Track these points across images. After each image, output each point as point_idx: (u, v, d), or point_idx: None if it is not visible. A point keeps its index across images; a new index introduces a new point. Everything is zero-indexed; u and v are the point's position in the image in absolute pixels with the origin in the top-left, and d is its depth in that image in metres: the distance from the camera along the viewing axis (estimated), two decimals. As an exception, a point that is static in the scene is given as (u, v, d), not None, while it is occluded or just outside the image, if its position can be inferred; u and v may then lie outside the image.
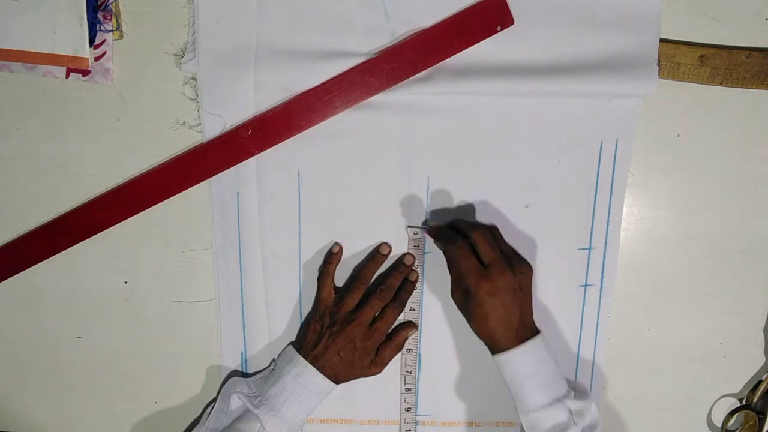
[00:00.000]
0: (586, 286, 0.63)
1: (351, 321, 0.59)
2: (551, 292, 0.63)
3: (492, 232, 0.58)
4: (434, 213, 0.62)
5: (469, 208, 0.62)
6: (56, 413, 0.68)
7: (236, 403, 0.60)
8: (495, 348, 0.55)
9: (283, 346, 0.64)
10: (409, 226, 0.62)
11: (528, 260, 0.59)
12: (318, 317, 0.61)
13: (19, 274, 0.64)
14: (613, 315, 0.64)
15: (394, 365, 0.65)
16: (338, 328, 0.59)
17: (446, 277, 0.63)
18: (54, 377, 0.67)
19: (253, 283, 0.63)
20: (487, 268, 0.55)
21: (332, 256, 0.62)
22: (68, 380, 0.67)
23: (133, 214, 0.62)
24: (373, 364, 0.61)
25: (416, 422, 0.66)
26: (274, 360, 0.64)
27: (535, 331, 0.56)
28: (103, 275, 0.64)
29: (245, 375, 0.65)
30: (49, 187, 0.63)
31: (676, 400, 0.67)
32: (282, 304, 0.64)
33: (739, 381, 0.66)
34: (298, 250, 0.63)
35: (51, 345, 0.67)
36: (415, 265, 0.62)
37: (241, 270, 0.63)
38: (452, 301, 0.64)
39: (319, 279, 0.62)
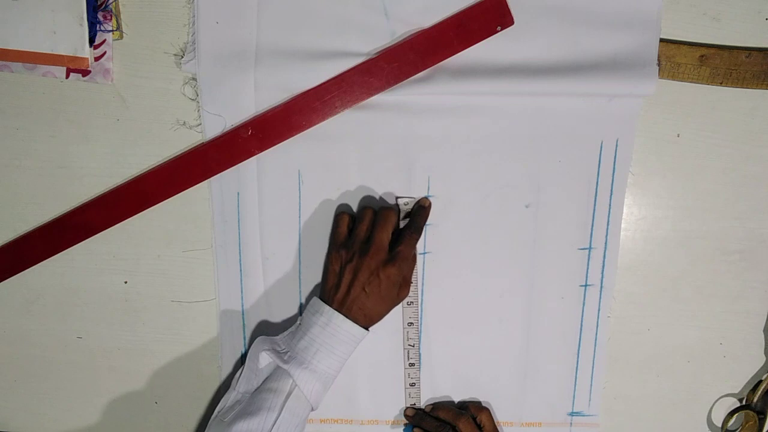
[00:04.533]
0: (586, 286, 0.63)
1: (368, 250, 0.56)
2: (551, 292, 0.63)
3: (475, 417, 0.61)
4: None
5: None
6: (56, 413, 0.68)
7: (265, 360, 0.57)
8: None
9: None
10: (398, 197, 0.61)
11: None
12: (335, 257, 0.58)
13: (19, 274, 0.64)
14: (613, 315, 0.64)
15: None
16: (357, 262, 0.56)
17: (446, 277, 0.63)
18: (54, 377, 0.67)
19: (253, 283, 0.63)
20: None
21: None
22: (68, 380, 0.67)
23: (133, 214, 0.62)
24: (401, 287, 0.58)
25: (421, 396, 0.66)
26: (300, 316, 0.62)
27: None
28: (103, 275, 0.64)
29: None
30: (49, 187, 0.63)
31: (676, 400, 0.67)
32: (282, 304, 0.64)
33: (739, 381, 0.66)
34: (298, 250, 0.63)
35: (51, 345, 0.67)
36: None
37: (241, 270, 0.63)
38: (453, 300, 0.64)
39: (336, 215, 0.61)
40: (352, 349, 0.57)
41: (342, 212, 0.61)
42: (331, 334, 0.56)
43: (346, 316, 0.56)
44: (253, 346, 0.59)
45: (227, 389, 0.60)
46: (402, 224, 0.61)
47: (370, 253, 0.56)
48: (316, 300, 0.58)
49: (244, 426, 0.53)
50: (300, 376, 0.55)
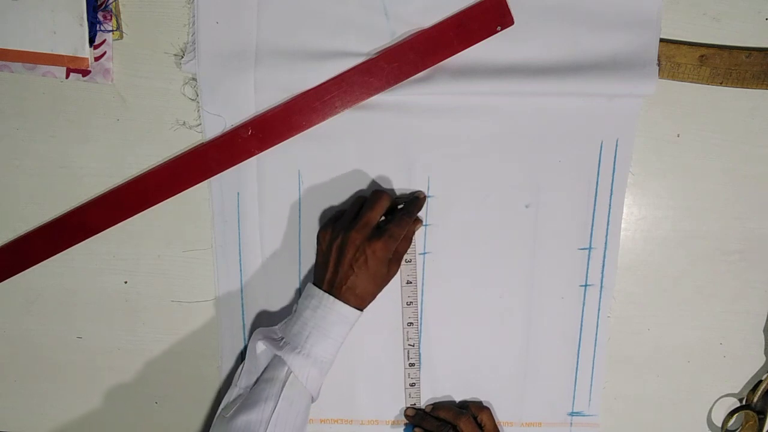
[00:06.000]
0: (586, 286, 0.63)
1: (353, 226, 0.55)
2: (551, 292, 0.63)
3: (476, 417, 0.61)
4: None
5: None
6: (56, 413, 0.68)
7: (261, 348, 0.57)
8: None
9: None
10: (396, 198, 0.61)
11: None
12: (322, 236, 0.58)
13: (19, 274, 0.64)
14: (613, 315, 0.64)
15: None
16: (342, 238, 0.55)
17: (446, 277, 0.63)
18: (54, 377, 0.67)
19: (253, 283, 0.63)
20: None
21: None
22: (68, 380, 0.67)
23: (133, 214, 0.62)
24: (390, 263, 0.57)
25: (421, 397, 0.66)
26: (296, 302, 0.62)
27: None
28: (103, 275, 0.64)
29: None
30: (49, 187, 0.63)
31: (676, 400, 0.67)
32: (282, 304, 0.64)
33: (739, 381, 0.66)
34: (298, 250, 0.63)
35: (51, 345, 0.67)
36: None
37: (241, 270, 0.63)
38: (453, 300, 0.64)
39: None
40: (346, 331, 0.56)
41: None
42: (323, 316, 0.55)
43: (337, 297, 0.55)
44: (251, 340, 0.59)
45: (228, 388, 0.60)
46: None
47: (356, 229, 0.55)
48: (309, 284, 0.58)
49: (244, 419, 0.53)
50: (294, 361, 0.54)
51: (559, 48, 0.58)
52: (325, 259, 0.57)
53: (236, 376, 0.59)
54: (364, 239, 0.55)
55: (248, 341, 0.63)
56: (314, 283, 0.58)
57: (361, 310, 0.56)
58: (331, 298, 0.55)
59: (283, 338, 0.56)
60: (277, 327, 0.59)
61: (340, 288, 0.55)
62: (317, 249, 0.59)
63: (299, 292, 0.63)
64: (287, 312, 0.64)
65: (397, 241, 0.56)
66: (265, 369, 0.56)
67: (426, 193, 0.61)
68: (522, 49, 0.58)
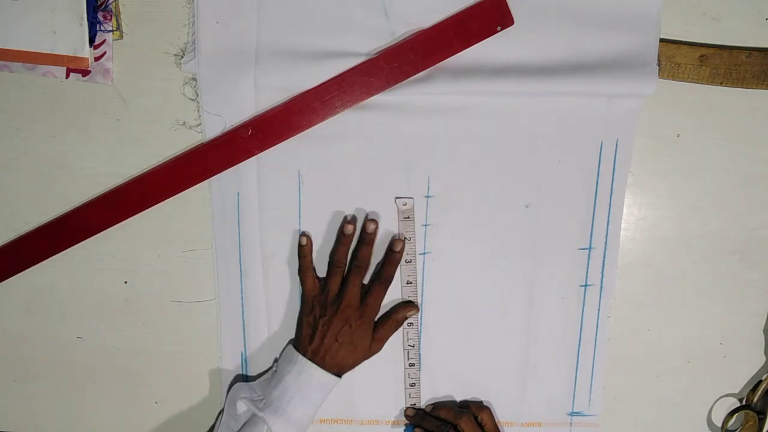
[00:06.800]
0: (586, 286, 0.63)
1: (339, 304, 0.59)
2: (551, 292, 0.63)
3: (476, 416, 0.62)
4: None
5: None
6: (56, 413, 0.68)
7: (242, 407, 0.60)
8: None
9: (283, 346, 0.64)
10: (397, 198, 0.62)
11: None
12: (308, 310, 0.61)
13: (19, 274, 0.64)
14: (613, 315, 0.64)
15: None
16: (330, 315, 0.59)
17: (446, 277, 0.63)
18: (54, 377, 0.67)
19: (253, 283, 0.63)
20: None
21: (302, 248, 0.61)
22: (68, 380, 0.67)
23: (133, 214, 0.62)
24: (373, 343, 0.61)
25: (421, 397, 0.66)
26: (276, 359, 0.64)
27: None
28: (103, 275, 0.64)
29: (246, 378, 0.65)
30: (49, 187, 0.63)
31: (676, 400, 0.67)
32: (282, 304, 0.64)
33: (739, 381, 0.66)
34: (298, 250, 0.63)
35: (51, 345, 0.67)
36: (407, 237, 0.62)
37: (241, 270, 0.63)
38: (453, 300, 0.64)
39: (299, 273, 0.62)
40: (325, 395, 0.60)
41: (304, 270, 0.61)
42: (304, 382, 0.58)
43: (319, 365, 0.58)
44: (231, 392, 0.62)
45: (227, 399, 0.62)
46: (401, 225, 0.62)
47: (342, 308, 0.59)
48: (290, 349, 0.61)
49: None
50: (275, 423, 0.57)
51: (559, 48, 0.58)
52: (312, 330, 0.60)
53: (217, 424, 0.62)
54: (349, 317, 0.59)
55: (246, 347, 0.65)
56: (295, 346, 0.60)
57: (340, 376, 0.60)
58: (314, 366, 0.58)
59: (263, 399, 0.59)
60: (255, 384, 0.62)
61: (324, 357, 0.59)
62: (303, 319, 0.61)
63: (299, 293, 0.63)
64: (287, 313, 0.64)
65: (375, 310, 0.61)
66: (245, 424, 0.59)
67: (426, 193, 0.62)
68: (522, 49, 0.58)
